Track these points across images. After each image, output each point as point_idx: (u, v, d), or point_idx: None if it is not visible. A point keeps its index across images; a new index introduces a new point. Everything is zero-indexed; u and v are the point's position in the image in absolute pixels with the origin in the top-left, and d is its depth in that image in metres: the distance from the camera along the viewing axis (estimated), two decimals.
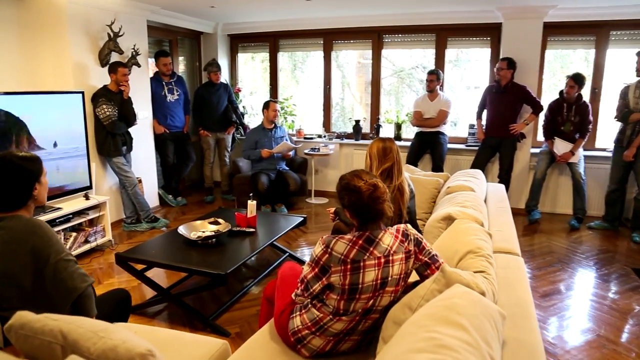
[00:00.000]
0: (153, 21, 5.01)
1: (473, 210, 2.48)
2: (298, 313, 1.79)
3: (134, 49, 4.51)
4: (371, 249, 1.66)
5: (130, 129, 4.39)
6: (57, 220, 3.56)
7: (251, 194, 3.66)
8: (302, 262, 3.73)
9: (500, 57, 5.06)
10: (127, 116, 4.25)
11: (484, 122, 5.13)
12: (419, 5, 5.04)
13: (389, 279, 1.68)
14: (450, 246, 2.01)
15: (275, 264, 3.54)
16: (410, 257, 1.74)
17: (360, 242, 1.67)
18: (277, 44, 6.29)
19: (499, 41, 5.28)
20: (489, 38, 5.38)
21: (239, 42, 6.48)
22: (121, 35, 4.28)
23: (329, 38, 6.02)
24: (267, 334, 1.93)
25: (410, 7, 5.15)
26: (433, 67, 5.46)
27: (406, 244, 1.74)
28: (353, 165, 5.90)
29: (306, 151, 5.72)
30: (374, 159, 2.76)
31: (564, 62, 5.60)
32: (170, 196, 5.34)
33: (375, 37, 5.82)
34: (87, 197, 3.87)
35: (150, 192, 5.06)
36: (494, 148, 5.01)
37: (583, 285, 3.47)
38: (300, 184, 5.27)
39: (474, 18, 5.22)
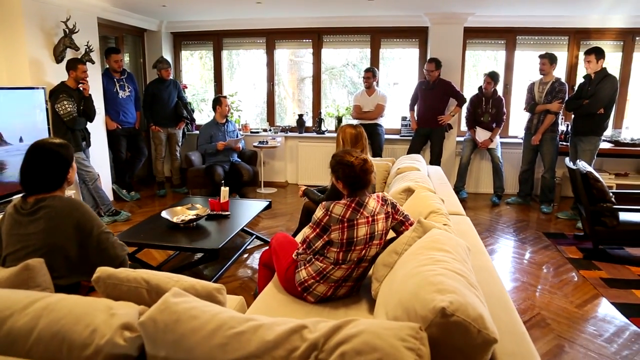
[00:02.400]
0: (101, 18, 5.03)
1: (424, 184, 3.01)
2: (303, 267, 2.18)
3: (87, 45, 4.55)
4: (361, 210, 2.09)
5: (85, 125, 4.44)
6: None
7: (222, 181, 3.92)
8: (267, 242, 4.09)
9: (428, 57, 5.74)
10: (89, 113, 4.30)
11: (415, 114, 5.79)
12: (356, 9, 5.55)
13: (375, 234, 2.12)
14: (415, 209, 2.49)
15: (246, 244, 3.87)
16: (389, 217, 2.19)
17: (353, 205, 2.09)
18: (221, 42, 6.51)
19: (426, 42, 5.97)
20: (417, 40, 6.06)
21: (182, 39, 6.61)
22: (76, 32, 4.32)
23: (272, 37, 6.37)
24: (274, 288, 2.29)
25: (347, 11, 5.65)
26: (361, 65, 6.03)
27: (385, 207, 2.19)
28: (298, 156, 6.32)
29: (255, 144, 6.03)
30: (347, 143, 3.19)
31: (476, 61, 6.44)
32: (124, 191, 5.39)
33: (315, 37, 6.26)
34: None
35: (104, 187, 5.07)
36: (426, 137, 5.68)
37: (506, 248, 4.18)
38: (252, 174, 5.57)
39: (405, 22, 5.86)
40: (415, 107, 5.79)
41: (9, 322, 1.29)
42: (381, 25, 5.95)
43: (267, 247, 2.71)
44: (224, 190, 3.63)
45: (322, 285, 2.13)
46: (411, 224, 2.24)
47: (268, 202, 4.03)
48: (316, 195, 3.38)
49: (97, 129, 4.92)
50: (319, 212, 2.11)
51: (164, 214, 3.29)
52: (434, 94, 5.51)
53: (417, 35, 6.02)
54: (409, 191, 2.84)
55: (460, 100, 5.51)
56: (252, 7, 5.22)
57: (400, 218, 2.23)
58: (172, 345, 1.18)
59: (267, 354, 1.15)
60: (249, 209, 3.85)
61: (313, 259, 2.16)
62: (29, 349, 1.25)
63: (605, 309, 2.95)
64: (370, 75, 5.70)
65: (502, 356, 1.26)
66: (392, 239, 2.25)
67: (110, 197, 5.25)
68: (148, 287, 1.49)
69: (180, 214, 3.35)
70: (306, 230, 2.18)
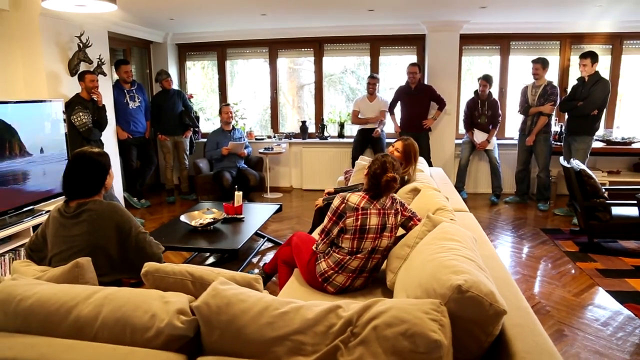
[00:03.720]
0: (110, 31, 5.22)
1: (429, 184, 3.21)
2: (322, 259, 2.37)
3: (99, 58, 4.74)
4: (374, 202, 2.30)
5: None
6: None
7: (235, 186, 4.10)
8: (278, 244, 4.26)
9: (426, 63, 5.96)
10: (101, 123, 4.48)
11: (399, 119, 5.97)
12: (355, 19, 5.76)
13: (387, 225, 2.31)
14: (423, 206, 2.68)
15: (259, 246, 4.04)
16: (398, 213, 2.38)
17: (367, 197, 2.31)
18: (225, 52, 6.71)
19: (423, 49, 6.20)
20: (414, 47, 6.28)
21: (187, 50, 6.80)
22: (90, 46, 4.51)
23: (274, 47, 6.58)
24: (296, 282, 2.47)
25: (347, 20, 5.86)
26: (359, 72, 6.24)
27: (395, 204, 2.39)
28: (302, 162, 6.51)
29: (260, 150, 6.21)
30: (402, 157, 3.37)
31: (470, 64, 6.65)
32: (135, 199, 5.56)
33: (316, 46, 6.47)
34: None
35: (116, 195, 5.26)
36: None
37: (506, 243, 4.37)
38: (259, 180, 5.75)
39: (403, 30, 6.08)
40: (399, 112, 5.97)
41: (75, 311, 1.47)
42: (380, 33, 6.17)
43: (283, 245, 2.89)
44: (238, 195, 3.80)
45: (340, 276, 2.31)
46: (419, 220, 2.43)
47: (279, 206, 4.21)
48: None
49: (108, 138, 5.09)
50: (336, 201, 2.33)
51: (182, 218, 3.47)
52: (417, 99, 5.69)
53: (415, 42, 6.24)
54: (415, 191, 3.03)
55: (441, 104, 5.69)
56: (257, 19, 5.43)
57: (409, 214, 2.43)
58: (226, 324, 1.36)
59: (309, 330, 1.33)
60: (261, 212, 4.02)
61: (331, 251, 2.35)
62: (95, 333, 1.42)
63: (601, 296, 3.14)
64: (376, 81, 5.91)
65: (511, 327, 1.44)
66: (402, 236, 2.45)
67: (122, 204, 5.41)
68: (192, 279, 1.66)
69: (197, 218, 3.52)
70: (325, 221, 2.38)
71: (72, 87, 4.45)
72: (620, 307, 2.96)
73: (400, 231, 2.49)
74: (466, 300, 1.37)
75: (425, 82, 5.95)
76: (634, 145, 5.57)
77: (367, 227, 2.25)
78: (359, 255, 2.29)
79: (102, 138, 4.73)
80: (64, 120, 4.07)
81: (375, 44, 6.34)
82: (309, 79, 7.11)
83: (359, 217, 2.25)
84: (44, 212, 3.76)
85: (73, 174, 2.09)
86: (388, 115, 5.98)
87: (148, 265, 1.71)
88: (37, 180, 3.74)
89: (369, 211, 2.26)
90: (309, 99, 7.10)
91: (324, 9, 5.00)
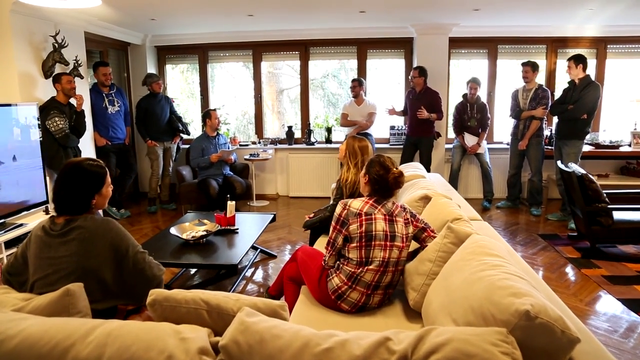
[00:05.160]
0: (87, 32, 4.90)
1: (437, 191, 3.05)
2: (334, 275, 2.17)
3: (76, 60, 4.42)
4: (379, 207, 2.15)
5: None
6: (22, 238, 3.41)
7: (228, 195, 3.86)
8: (272, 255, 4.04)
9: (413, 66, 5.85)
10: (79, 128, 4.16)
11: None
12: (342, 21, 5.61)
13: (396, 234, 2.13)
14: (437, 216, 2.52)
15: (253, 259, 3.81)
16: (408, 223, 2.22)
17: (371, 202, 2.16)
18: (206, 55, 6.45)
19: (411, 53, 6.10)
20: (402, 50, 6.18)
21: (167, 53, 6.50)
22: (65, 46, 4.19)
23: (259, 50, 6.35)
24: (307, 301, 2.27)
25: (335, 22, 5.70)
26: (340, 76, 6.09)
27: (405, 213, 2.22)
28: (289, 168, 6.29)
29: (246, 157, 5.97)
30: (351, 155, 3.19)
31: (455, 67, 6.58)
32: (114, 208, 5.22)
33: (302, 49, 6.29)
34: (47, 212, 3.74)
35: None
36: (415, 146, 5.75)
37: None
38: (245, 187, 5.51)
39: (391, 33, 5.96)
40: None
41: (72, 352, 1.23)
42: (367, 36, 6.03)
43: (288, 262, 2.68)
44: (231, 205, 3.57)
45: (355, 292, 2.12)
46: (432, 231, 2.27)
47: (273, 215, 3.99)
48: (316, 217, 3.27)
49: (86, 145, 4.76)
50: (337, 209, 2.17)
51: (173, 230, 3.21)
52: (422, 103, 5.58)
53: (403, 45, 6.14)
54: (425, 199, 2.87)
55: (439, 115, 5.54)
56: (243, 20, 5.21)
57: (422, 225, 2.27)
58: None
59: None
60: (255, 222, 3.80)
61: (341, 265, 2.17)
62: None
63: (614, 305, 3.05)
64: (357, 84, 5.75)
65: (580, 355, 1.28)
66: (415, 250, 2.28)
67: (100, 215, 5.08)
68: (208, 307, 1.44)
69: (189, 230, 3.27)
70: (330, 232, 2.20)
71: (47, 90, 4.12)
72: (636, 317, 2.87)
73: (413, 244, 2.32)
74: (536, 328, 1.21)
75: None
76: (621, 149, 5.61)
77: (373, 233, 2.09)
78: (370, 267, 2.10)
79: (79, 145, 4.41)
80: (39, 125, 3.76)
81: (362, 47, 6.20)
82: (289, 83, 6.93)
83: (363, 222, 2.10)
84: (16, 225, 3.43)
85: (66, 187, 1.82)
86: (376, 117, 5.83)
87: (155, 293, 1.47)
88: (9, 190, 3.41)
89: (373, 216, 2.11)
90: (287, 104, 6.92)
91: (314, 10, 4.83)
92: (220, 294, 1.51)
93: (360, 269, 2.11)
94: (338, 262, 2.21)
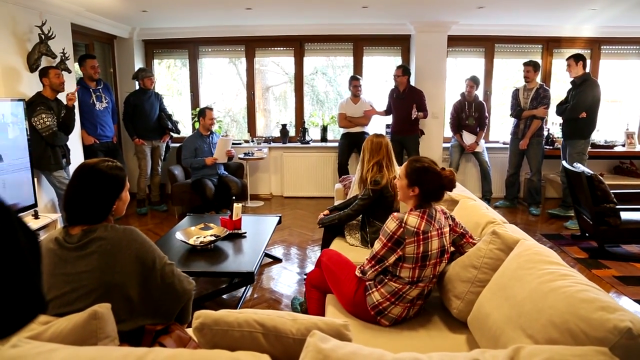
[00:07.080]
0: (72, 23, 4.61)
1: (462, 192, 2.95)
2: (375, 289, 2.02)
3: (63, 52, 4.14)
4: (433, 222, 1.98)
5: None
6: None
7: (234, 197, 3.68)
8: (278, 259, 3.87)
9: (412, 64, 5.77)
10: (69, 125, 3.90)
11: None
12: (339, 17, 5.47)
13: (445, 247, 2.01)
14: (470, 219, 2.41)
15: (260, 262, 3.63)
16: (451, 230, 2.10)
17: (425, 216, 1.97)
18: (197, 50, 6.20)
19: (408, 50, 6.01)
20: (400, 48, 6.08)
21: (155, 47, 6.23)
22: (52, 38, 3.92)
23: (252, 45, 6.15)
24: (337, 312, 2.12)
25: (330, 18, 5.56)
26: (330, 74, 5.95)
27: (448, 220, 2.10)
28: (283, 167, 6.12)
29: (240, 156, 5.77)
30: (366, 152, 3.06)
31: (452, 66, 6.54)
32: None
33: (297, 45, 6.12)
34: (36, 216, 3.48)
35: None
36: (401, 144, 5.62)
37: None
38: (241, 187, 5.31)
39: (388, 30, 5.86)
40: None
41: None
42: (364, 33, 5.91)
43: (314, 270, 2.52)
44: (237, 207, 3.39)
45: (397, 307, 1.99)
46: (471, 237, 2.17)
47: (279, 217, 3.82)
48: (335, 215, 3.12)
49: (73, 144, 4.46)
50: (391, 225, 1.96)
51: (178, 235, 3.01)
52: (406, 103, 5.44)
53: (400, 43, 6.04)
54: (452, 202, 2.76)
55: (424, 113, 5.44)
56: (238, 13, 5.00)
57: (461, 231, 2.16)
58: None
59: None
60: (262, 225, 3.62)
61: (386, 280, 2.01)
62: None
63: (631, 307, 3.01)
64: (359, 84, 5.64)
65: None
66: (452, 253, 2.17)
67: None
68: (264, 330, 1.28)
69: (195, 235, 3.08)
70: (376, 245, 2.03)
71: (33, 85, 3.84)
72: None
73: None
74: (638, 348, 1.10)
75: (412, 84, 5.73)
76: (616, 149, 5.66)
77: (429, 253, 1.94)
78: (420, 285, 1.98)
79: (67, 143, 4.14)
80: (25, 122, 3.49)
81: (359, 44, 6.08)
82: (274, 80, 6.75)
83: (421, 243, 1.92)
84: None
85: (81, 193, 1.62)
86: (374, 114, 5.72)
87: (202, 316, 1.30)
88: None
89: (429, 234, 1.94)
90: (273, 102, 6.75)
91: (316, 3, 4.66)
92: (274, 314, 1.35)
93: (409, 287, 1.97)
94: (381, 276, 2.04)
